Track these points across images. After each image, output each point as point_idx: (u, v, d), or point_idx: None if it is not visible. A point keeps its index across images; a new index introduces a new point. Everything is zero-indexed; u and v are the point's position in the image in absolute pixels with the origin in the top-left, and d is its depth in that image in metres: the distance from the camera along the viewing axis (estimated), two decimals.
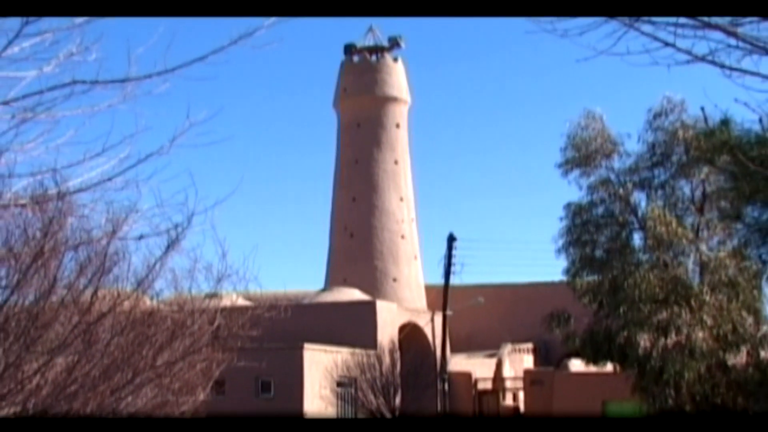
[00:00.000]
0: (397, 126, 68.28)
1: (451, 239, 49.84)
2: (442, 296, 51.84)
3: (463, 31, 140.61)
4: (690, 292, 30.52)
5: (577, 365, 46.55)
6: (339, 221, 67.49)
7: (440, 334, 52.44)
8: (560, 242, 33.06)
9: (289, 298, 41.39)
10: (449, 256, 49.95)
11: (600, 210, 33.04)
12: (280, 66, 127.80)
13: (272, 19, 8.23)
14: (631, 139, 33.60)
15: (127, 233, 10.19)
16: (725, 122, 29.44)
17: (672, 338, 30.16)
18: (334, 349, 47.92)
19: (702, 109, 31.80)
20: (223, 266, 11.90)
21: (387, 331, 51.51)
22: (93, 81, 8.08)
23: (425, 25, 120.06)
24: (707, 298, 30.35)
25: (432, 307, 59.11)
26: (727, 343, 30.25)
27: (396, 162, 67.65)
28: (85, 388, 10.05)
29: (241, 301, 18.92)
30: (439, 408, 49.31)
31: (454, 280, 51.25)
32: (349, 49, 69.27)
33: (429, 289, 64.34)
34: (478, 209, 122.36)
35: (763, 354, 31.16)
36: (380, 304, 53.93)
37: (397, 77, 68.60)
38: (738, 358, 30.89)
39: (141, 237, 10.29)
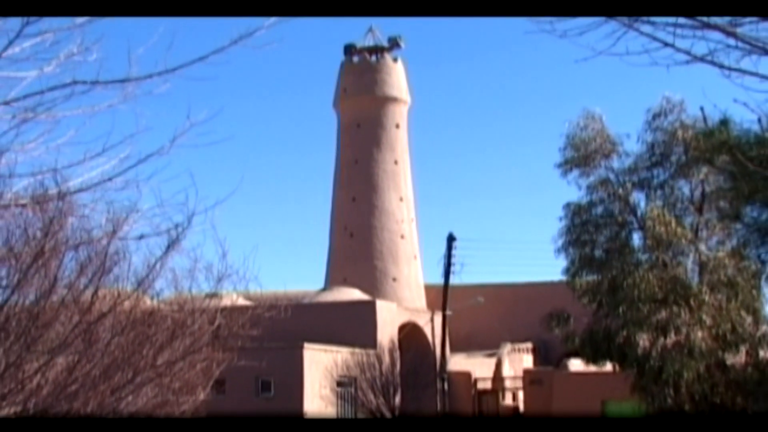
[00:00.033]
0: (397, 126, 68.27)
1: (451, 239, 49.87)
2: (441, 296, 51.85)
3: (462, 31, 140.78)
4: (689, 292, 30.50)
5: (576, 365, 46.55)
6: (339, 221, 67.49)
7: (440, 333, 52.45)
8: (560, 242, 33.04)
9: (289, 298, 41.35)
10: (449, 256, 49.99)
11: (599, 210, 33.01)
12: (280, 66, 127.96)
13: (272, 19, 8.24)
14: (631, 139, 33.59)
15: (128, 233, 10.21)
16: (724, 122, 29.43)
17: (671, 338, 30.15)
18: (334, 348, 47.93)
19: (701, 109, 31.82)
20: (223, 266, 11.91)
21: (387, 331, 51.52)
22: (93, 81, 8.10)
23: (425, 25, 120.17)
24: (706, 297, 30.33)
25: (432, 306, 59.10)
26: (726, 343, 30.25)
27: (396, 162, 67.64)
28: (86, 387, 10.05)
29: (241, 301, 18.90)
30: (438, 407, 49.32)
31: (454, 280, 51.35)
32: (349, 50, 69.24)
33: (429, 289, 64.33)
34: (478, 209, 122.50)
35: (762, 354, 31.14)
36: (380, 304, 53.93)
37: (396, 77, 68.58)
38: (737, 358, 30.88)
39: (141, 237, 10.30)
